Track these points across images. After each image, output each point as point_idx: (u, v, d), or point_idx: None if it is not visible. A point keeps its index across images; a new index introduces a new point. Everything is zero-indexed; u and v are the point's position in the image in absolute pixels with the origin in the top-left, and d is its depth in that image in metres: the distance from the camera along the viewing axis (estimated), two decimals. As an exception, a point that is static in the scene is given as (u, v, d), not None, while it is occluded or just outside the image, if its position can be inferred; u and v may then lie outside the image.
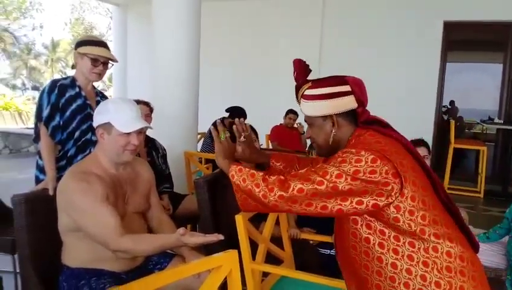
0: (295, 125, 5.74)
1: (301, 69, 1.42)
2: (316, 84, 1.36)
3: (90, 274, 1.74)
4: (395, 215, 1.21)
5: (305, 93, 1.38)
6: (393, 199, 1.20)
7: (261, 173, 1.30)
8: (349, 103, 1.35)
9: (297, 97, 1.42)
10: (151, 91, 4.09)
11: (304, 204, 1.23)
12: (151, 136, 3.19)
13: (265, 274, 2.03)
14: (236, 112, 5.06)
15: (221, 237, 1.51)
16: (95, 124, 1.81)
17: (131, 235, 1.70)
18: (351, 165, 1.21)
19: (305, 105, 1.38)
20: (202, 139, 5.50)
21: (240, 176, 1.32)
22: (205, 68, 4.61)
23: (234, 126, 1.60)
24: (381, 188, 1.19)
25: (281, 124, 5.81)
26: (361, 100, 1.36)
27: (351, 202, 1.21)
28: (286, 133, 5.71)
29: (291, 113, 5.72)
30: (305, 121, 1.43)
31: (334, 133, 1.37)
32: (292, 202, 1.23)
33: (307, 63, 1.45)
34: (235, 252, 1.34)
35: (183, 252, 1.89)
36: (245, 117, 4.99)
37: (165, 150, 3.29)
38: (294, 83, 1.45)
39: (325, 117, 1.36)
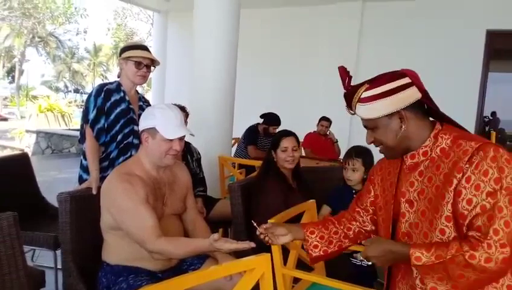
0: (327, 133, 5.74)
1: (347, 76, 1.38)
2: (373, 84, 1.30)
3: (129, 271, 1.82)
4: None
5: (362, 96, 1.31)
6: None
7: (460, 252, 1.15)
8: (413, 94, 1.29)
9: (349, 104, 1.36)
10: (188, 96, 4.20)
11: None
12: (186, 140, 3.28)
13: (295, 280, 2.04)
14: (271, 119, 5.12)
15: (253, 244, 1.55)
16: (140, 128, 1.89)
17: (167, 237, 1.76)
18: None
19: (365, 108, 1.31)
20: (236, 144, 5.59)
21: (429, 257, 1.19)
22: (241, 74, 4.68)
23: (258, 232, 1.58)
24: None
25: (314, 131, 5.82)
26: (424, 89, 1.32)
27: None
28: (319, 141, 5.70)
29: (324, 120, 5.71)
30: (365, 126, 1.38)
31: (404, 128, 1.31)
32: None
33: (347, 69, 1.42)
34: (268, 255, 1.37)
35: (216, 255, 1.94)
36: (279, 124, 5.04)
37: (199, 154, 3.37)
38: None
39: (390, 115, 1.30)
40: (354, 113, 1.38)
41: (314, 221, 1.82)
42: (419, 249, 1.20)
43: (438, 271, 1.19)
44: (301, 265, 2.01)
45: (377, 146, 1.40)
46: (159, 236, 1.73)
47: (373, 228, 1.63)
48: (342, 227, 1.64)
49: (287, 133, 2.63)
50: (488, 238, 1.13)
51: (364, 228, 1.64)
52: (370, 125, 1.35)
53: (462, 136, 1.28)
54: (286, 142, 2.56)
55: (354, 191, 2.48)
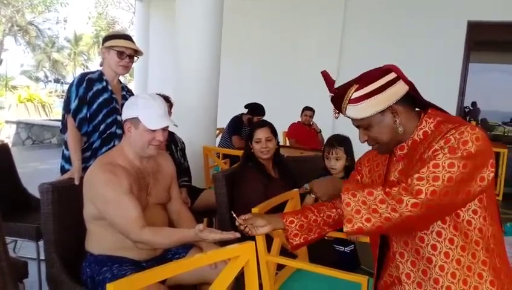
0: (311, 123, 5.77)
1: (331, 79, 1.40)
2: (362, 83, 1.32)
3: (113, 261, 1.82)
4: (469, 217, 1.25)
5: (352, 97, 1.32)
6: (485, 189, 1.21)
7: (379, 188, 1.22)
8: (401, 88, 1.32)
9: (338, 107, 1.37)
10: (172, 86, 4.17)
11: (439, 209, 1.18)
12: (170, 130, 3.26)
13: (279, 267, 2.07)
14: (255, 109, 5.11)
15: (238, 235, 1.58)
16: (123, 118, 1.88)
17: (152, 227, 1.77)
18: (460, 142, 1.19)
19: (357, 108, 1.33)
20: (221, 134, 5.58)
21: (356, 201, 1.24)
22: (225, 64, 4.67)
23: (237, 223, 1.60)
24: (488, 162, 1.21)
25: (298, 121, 5.85)
26: (409, 82, 1.34)
27: (476, 181, 1.19)
28: (303, 131, 5.74)
29: (307, 110, 5.74)
30: (357, 126, 1.39)
31: (399, 122, 1.34)
32: (427, 209, 1.17)
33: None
34: (252, 243, 1.39)
35: (201, 244, 1.95)
36: (263, 114, 5.04)
37: (183, 143, 3.36)
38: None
39: (383, 111, 1.33)
40: (337, 116, 1.40)
41: (293, 210, 1.84)
42: (349, 191, 1.27)
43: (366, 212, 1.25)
44: (285, 252, 2.04)
45: (370, 144, 1.42)
46: (143, 226, 1.73)
47: None
48: (321, 215, 1.66)
49: (261, 124, 2.66)
50: (409, 181, 1.19)
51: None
52: (363, 124, 1.37)
53: (445, 121, 1.31)
54: (260, 134, 2.59)
55: None
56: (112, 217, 1.76)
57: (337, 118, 1.43)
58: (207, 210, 3.14)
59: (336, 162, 2.62)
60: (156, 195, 1.96)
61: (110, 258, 1.84)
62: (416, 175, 1.19)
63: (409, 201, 1.17)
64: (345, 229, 1.24)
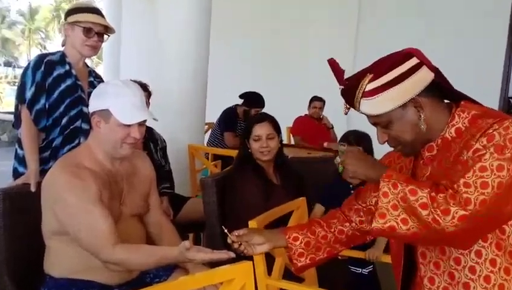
0: (321, 116, 5.78)
1: (339, 69, 1.40)
2: (378, 72, 1.33)
3: (77, 286, 1.82)
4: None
5: (366, 89, 1.32)
6: None
7: (426, 190, 1.23)
8: (425, 75, 1.33)
9: (350, 101, 1.38)
10: (149, 71, 4.16)
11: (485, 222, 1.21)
12: (148, 125, 3.27)
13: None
14: (253, 99, 5.13)
15: (232, 255, 1.59)
16: (90, 110, 1.88)
17: (127, 245, 1.77)
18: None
19: (372, 103, 1.33)
20: (210, 130, 5.59)
21: (396, 194, 1.25)
22: (216, 46, 4.67)
23: (229, 240, 1.62)
24: None
25: (305, 115, 5.86)
26: (435, 68, 1.35)
27: None
28: (311, 126, 5.75)
29: (316, 100, 5.74)
30: (374, 124, 1.40)
31: (424, 117, 1.34)
32: (474, 222, 1.18)
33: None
34: (249, 263, 1.40)
35: (187, 265, 1.96)
36: (262, 106, 5.06)
37: (164, 141, 3.37)
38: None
39: (404, 105, 1.33)
40: (347, 111, 1.43)
41: (297, 224, 1.86)
42: (390, 179, 1.29)
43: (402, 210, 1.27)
44: (289, 275, 2.05)
45: (392, 146, 1.44)
46: (116, 243, 1.74)
47: None
48: (332, 230, 1.68)
49: (260, 119, 2.67)
50: (455, 186, 1.20)
51: (362, 229, 1.69)
52: (381, 122, 1.38)
53: (483, 115, 1.32)
54: (259, 130, 2.60)
55: (351, 187, 2.54)
56: (77, 232, 1.76)
57: (346, 113, 1.45)
58: (193, 224, 3.15)
59: None
60: (131, 204, 1.97)
61: (73, 282, 1.83)
62: (462, 181, 1.20)
63: (456, 213, 1.17)
64: (374, 224, 1.26)
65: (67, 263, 1.85)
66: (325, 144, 5.33)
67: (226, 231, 1.61)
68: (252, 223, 1.87)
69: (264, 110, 4.75)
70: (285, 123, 5.77)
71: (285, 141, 5.75)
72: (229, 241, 1.60)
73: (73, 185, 1.76)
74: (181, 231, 2.29)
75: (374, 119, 1.38)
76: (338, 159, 1.49)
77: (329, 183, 2.78)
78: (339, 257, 2.61)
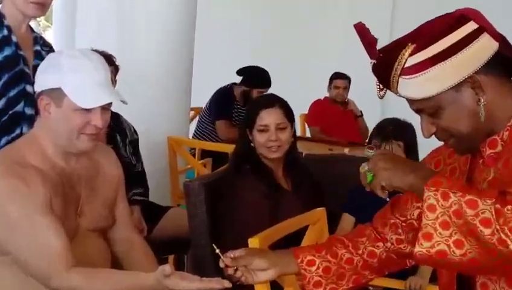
0: (346, 100, 5.77)
1: (371, 37, 1.38)
2: (423, 42, 1.31)
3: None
4: None
5: (407, 65, 1.31)
6: None
7: (488, 200, 1.19)
8: (487, 45, 1.31)
9: (384, 81, 1.37)
10: (117, 40, 4.15)
11: None
12: (113, 111, 3.25)
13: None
14: (255, 77, 5.12)
15: (226, 284, 1.59)
16: (37, 89, 1.88)
17: (85, 269, 1.78)
18: None
19: (415, 83, 1.32)
20: (197, 117, 5.60)
21: (447, 207, 1.22)
22: (206, 8, 4.67)
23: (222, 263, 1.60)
24: None
25: (325, 98, 5.86)
26: (499, 35, 1.33)
27: None
28: (333, 113, 5.76)
29: (339, 78, 5.75)
30: (418, 111, 1.39)
31: (484, 102, 1.33)
32: None
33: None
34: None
35: None
36: (268, 85, 5.05)
37: (136, 133, 3.38)
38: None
39: (458, 85, 1.32)
40: (382, 94, 1.42)
41: (314, 245, 1.86)
42: (439, 188, 1.24)
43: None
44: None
45: (441, 140, 1.44)
46: (71, 266, 1.75)
47: None
48: (359, 252, 1.68)
49: (268, 102, 2.67)
50: None
51: (401, 250, 1.68)
52: (427, 108, 1.37)
53: None
54: (266, 117, 2.59)
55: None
56: (20, 251, 1.77)
57: (381, 97, 1.44)
58: (174, 242, 3.16)
59: None
60: (91, 215, 1.98)
61: None
62: None
63: None
64: (417, 249, 1.23)
65: (6, 292, 1.88)
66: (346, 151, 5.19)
67: (217, 251, 1.60)
68: (253, 242, 1.85)
69: (271, 91, 4.74)
70: (299, 109, 5.76)
71: (298, 134, 5.76)
72: (221, 265, 1.58)
73: (15, 190, 1.77)
74: (158, 251, 2.31)
75: (418, 105, 1.37)
76: (365, 167, 1.45)
77: (356, 188, 2.79)
78: (370, 288, 2.63)
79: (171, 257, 3.19)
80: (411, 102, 1.38)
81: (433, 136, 1.43)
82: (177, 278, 1.64)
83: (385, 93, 1.41)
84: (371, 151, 1.50)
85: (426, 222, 1.22)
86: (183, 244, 3.08)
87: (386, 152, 1.44)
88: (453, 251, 1.20)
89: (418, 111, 1.39)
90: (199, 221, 2.58)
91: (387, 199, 1.87)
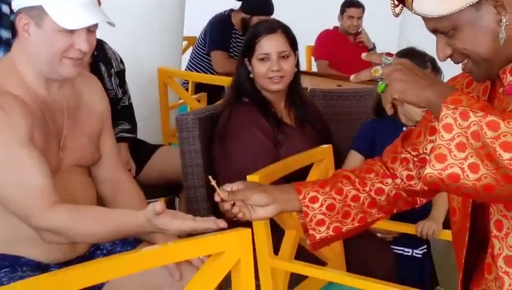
0: (359, 30, 5.75)
1: None
2: None
3: (0, 262, 1.89)
4: None
5: None
6: None
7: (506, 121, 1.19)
8: None
9: None
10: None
11: None
12: (98, 38, 3.22)
13: (297, 278, 2.19)
14: (255, 2, 5.07)
15: (222, 224, 1.61)
16: (14, 6, 1.88)
17: (69, 206, 1.82)
18: None
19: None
20: (191, 48, 5.60)
21: (465, 127, 1.22)
22: None
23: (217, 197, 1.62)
24: None
25: (334, 28, 5.83)
26: None
27: None
28: (343, 45, 5.75)
29: (353, 6, 5.71)
30: (433, 30, 1.41)
31: (506, 22, 1.33)
32: None
33: None
34: (246, 231, 1.45)
35: (155, 238, 1.98)
36: (270, 12, 5.02)
37: (122, 63, 3.38)
38: None
39: (478, 3, 1.32)
40: (398, 12, 1.44)
41: (317, 180, 1.87)
42: (458, 106, 1.25)
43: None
44: (307, 255, 2.10)
45: (458, 62, 1.45)
46: (54, 203, 1.78)
47: (425, 187, 1.70)
48: (366, 188, 1.71)
49: (269, 28, 2.66)
50: None
51: (411, 187, 1.72)
52: (444, 27, 1.38)
53: None
54: (267, 45, 2.60)
55: (404, 128, 2.53)
56: (0, 186, 1.81)
57: (397, 15, 1.45)
58: (165, 184, 3.23)
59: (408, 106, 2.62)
60: (74, 149, 2.01)
61: None
62: None
63: None
64: (428, 170, 1.25)
65: (-13, 232, 1.92)
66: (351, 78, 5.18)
67: (213, 183, 1.62)
68: (253, 179, 1.89)
69: (275, 16, 4.69)
70: (304, 41, 5.72)
71: (304, 68, 5.73)
72: (216, 199, 1.61)
73: None
74: (146, 194, 2.32)
75: (434, 24, 1.38)
76: (379, 70, 1.40)
77: (371, 120, 2.83)
78: (378, 235, 2.67)
79: (161, 200, 3.21)
80: (427, 21, 1.39)
81: (449, 60, 1.45)
82: (169, 217, 1.66)
83: (401, 10, 1.42)
84: (389, 58, 1.42)
85: (440, 142, 1.23)
86: (174, 187, 3.18)
87: (405, 62, 1.40)
88: (466, 175, 1.22)
89: (433, 31, 1.41)
90: (192, 160, 2.62)
91: (404, 129, 1.88)
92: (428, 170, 1.25)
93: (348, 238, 1.88)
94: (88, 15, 1.86)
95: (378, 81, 1.41)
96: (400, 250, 2.74)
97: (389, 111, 1.44)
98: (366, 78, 1.42)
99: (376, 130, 2.73)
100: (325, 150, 2.32)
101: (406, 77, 1.35)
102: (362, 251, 2.50)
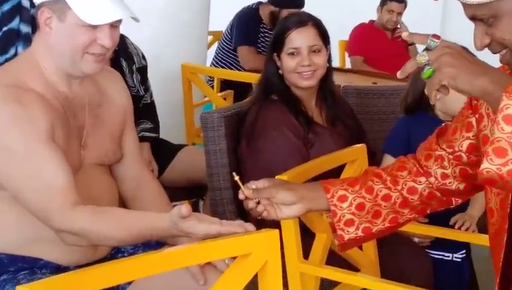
0: (398, 26, 5.76)
1: None
2: None
3: (19, 265, 1.94)
4: None
5: None
6: None
7: None
8: None
9: None
10: None
11: None
12: (122, 32, 3.22)
13: (329, 285, 2.22)
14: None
15: (251, 227, 1.61)
16: (36, 0, 1.91)
17: (91, 207, 1.85)
18: None
19: None
20: (216, 43, 5.64)
21: None
22: None
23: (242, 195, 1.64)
24: None
25: (371, 22, 5.86)
26: None
27: None
28: (380, 41, 5.76)
29: (395, 0, 5.69)
30: (472, 18, 1.41)
31: None
32: None
33: None
34: (274, 233, 1.49)
35: (179, 241, 1.98)
36: (301, 4, 5.02)
37: (144, 59, 3.41)
38: None
39: None
40: None
41: (346, 178, 1.90)
42: None
43: None
44: (338, 259, 2.15)
45: (495, 52, 1.45)
46: (76, 203, 1.81)
47: (460, 187, 1.73)
48: (398, 187, 1.72)
49: (299, 21, 2.68)
50: None
51: (445, 186, 1.73)
52: (483, 14, 1.38)
53: None
54: (297, 39, 2.63)
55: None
56: (19, 186, 1.84)
57: None
58: (189, 186, 3.26)
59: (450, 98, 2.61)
60: (96, 147, 2.05)
61: (14, 259, 1.95)
62: None
63: None
64: (485, 165, 1.23)
65: (6, 232, 1.96)
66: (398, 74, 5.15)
67: (237, 178, 1.66)
68: (282, 178, 1.90)
69: (306, 9, 4.69)
70: (337, 35, 5.71)
71: (336, 64, 5.72)
72: (241, 196, 1.64)
73: (13, 115, 1.82)
74: (169, 196, 2.33)
75: (473, 11, 1.39)
76: (425, 56, 1.35)
77: (403, 118, 2.84)
78: (415, 240, 2.67)
79: (185, 203, 3.24)
80: (466, 7, 1.40)
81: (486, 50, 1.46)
82: (194, 221, 1.67)
83: None
84: (436, 40, 1.37)
85: (500, 135, 1.21)
86: (198, 188, 3.21)
87: (454, 46, 1.35)
88: None
89: (472, 18, 1.41)
90: (218, 160, 2.65)
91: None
92: (485, 165, 1.22)
93: (381, 242, 1.89)
94: (112, 10, 1.89)
95: (424, 68, 1.35)
96: (439, 255, 2.75)
97: (434, 100, 1.44)
98: (412, 68, 1.38)
99: (410, 129, 2.73)
100: (359, 150, 2.34)
101: (457, 62, 1.31)
102: (397, 257, 2.52)
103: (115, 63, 3.15)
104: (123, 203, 2.20)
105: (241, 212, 2.30)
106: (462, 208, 2.41)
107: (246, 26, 5.17)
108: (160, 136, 3.41)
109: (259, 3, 5.22)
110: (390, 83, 4.40)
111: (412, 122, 2.75)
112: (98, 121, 2.08)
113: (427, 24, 5.63)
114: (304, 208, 1.68)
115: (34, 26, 1.97)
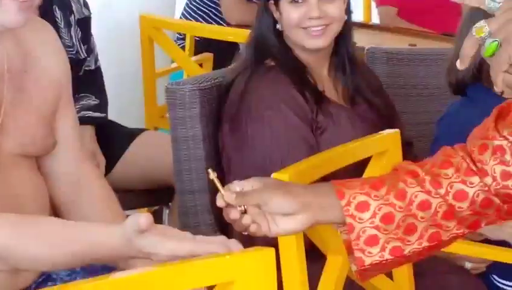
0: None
1: None
2: None
3: None
4: None
5: None
6: None
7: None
8: None
9: None
10: None
11: None
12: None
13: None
14: None
15: (235, 246, 1.60)
16: None
17: (9, 215, 1.85)
18: None
19: None
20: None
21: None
22: None
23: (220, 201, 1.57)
24: None
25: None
26: None
27: None
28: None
29: None
30: None
31: None
32: None
33: None
34: (268, 253, 1.50)
35: (135, 266, 1.94)
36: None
37: (87, 7, 3.46)
38: None
39: None
40: None
41: (368, 177, 1.89)
42: None
43: None
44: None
45: None
46: None
47: None
48: (441, 190, 1.68)
49: None
50: None
51: (507, 189, 1.69)
52: None
53: None
54: None
55: None
56: None
57: None
58: (149, 186, 3.32)
59: None
60: (18, 131, 2.06)
61: None
62: None
63: None
64: None
65: None
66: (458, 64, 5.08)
67: (213, 177, 1.60)
68: (280, 178, 1.87)
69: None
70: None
71: (360, 19, 5.74)
72: (219, 203, 1.57)
73: None
74: (122, 202, 2.33)
75: None
76: (484, 27, 1.30)
77: (459, 102, 2.86)
78: (467, 266, 2.70)
79: (143, 211, 3.28)
80: None
81: None
82: (158, 236, 1.64)
83: None
84: (498, 1, 1.32)
85: None
86: (162, 191, 3.27)
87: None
88: None
89: None
90: (190, 151, 2.68)
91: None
92: None
93: (419, 268, 1.88)
94: None
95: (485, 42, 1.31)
96: (500, 283, 2.77)
97: (500, 86, 1.36)
98: (472, 49, 1.34)
99: (471, 119, 2.69)
100: (389, 138, 2.31)
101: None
102: (442, 289, 2.54)
103: (45, 12, 3.11)
104: (56, 210, 2.20)
105: (222, 225, 2.28)
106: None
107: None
108: (109, 117, 3.44)
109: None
110: (433, 44, 4.41)
111: (472, 108, 2.70)
112: (22, 95, 2.09)
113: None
114: (308, 219, 1.64)
115: None
